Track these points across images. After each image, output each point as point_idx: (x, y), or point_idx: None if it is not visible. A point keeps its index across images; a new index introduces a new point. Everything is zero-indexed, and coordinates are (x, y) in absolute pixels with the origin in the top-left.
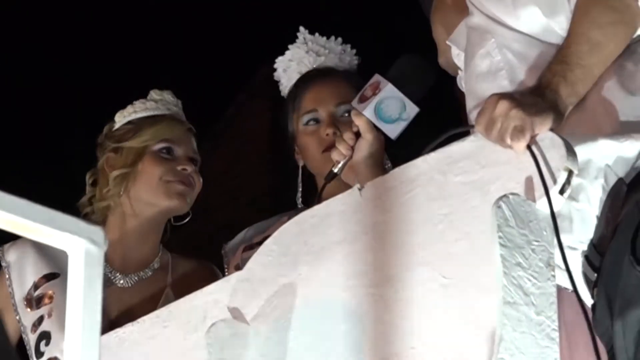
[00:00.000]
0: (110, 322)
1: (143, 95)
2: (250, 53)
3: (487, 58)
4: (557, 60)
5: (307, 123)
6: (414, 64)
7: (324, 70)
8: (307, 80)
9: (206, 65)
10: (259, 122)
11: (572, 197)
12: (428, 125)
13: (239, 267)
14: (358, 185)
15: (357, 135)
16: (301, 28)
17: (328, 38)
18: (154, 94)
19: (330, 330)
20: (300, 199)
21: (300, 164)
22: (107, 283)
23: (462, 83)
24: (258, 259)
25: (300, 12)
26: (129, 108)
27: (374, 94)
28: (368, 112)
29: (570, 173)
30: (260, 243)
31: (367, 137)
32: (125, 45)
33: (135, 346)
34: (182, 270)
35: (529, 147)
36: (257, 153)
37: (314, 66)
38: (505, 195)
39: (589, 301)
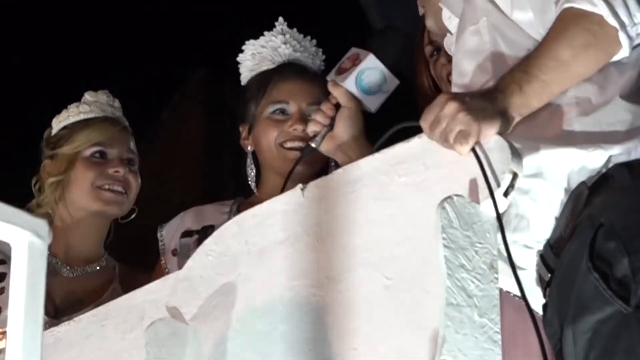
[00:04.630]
0: (56, 308)
1: (79, 97)
2: (185, 56)
3: (476, 35)
4: (520, 67)
5: (274, 112)
6: (391, 39)
7: (302, 67)
8: (285, 71)
9: (140, 67)
10: (193, 126)
11: (532, 198)
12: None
13: (176, 253)
14: (300, 186)
15: (336, 107)
16: (280, 19)
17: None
18: (87, 96)
19: (271, 330)
20: (254, 184)
21: (249, 149)
22: (53, 272)
23: (450, 46)
24: (198, 258)
25: (236, 17)
26: (64, 113)
27: (355, 65)
28: (349, 82)
29: (515, 175)
30: (198, 231)
31: (350, 105)
32: (60, 47)
33: (72, 345)
34: (128, 275)
35: (473, 149)
36: (191, 157)
37: (288, 60)
38: (449, 197)
39: (536, 303)
